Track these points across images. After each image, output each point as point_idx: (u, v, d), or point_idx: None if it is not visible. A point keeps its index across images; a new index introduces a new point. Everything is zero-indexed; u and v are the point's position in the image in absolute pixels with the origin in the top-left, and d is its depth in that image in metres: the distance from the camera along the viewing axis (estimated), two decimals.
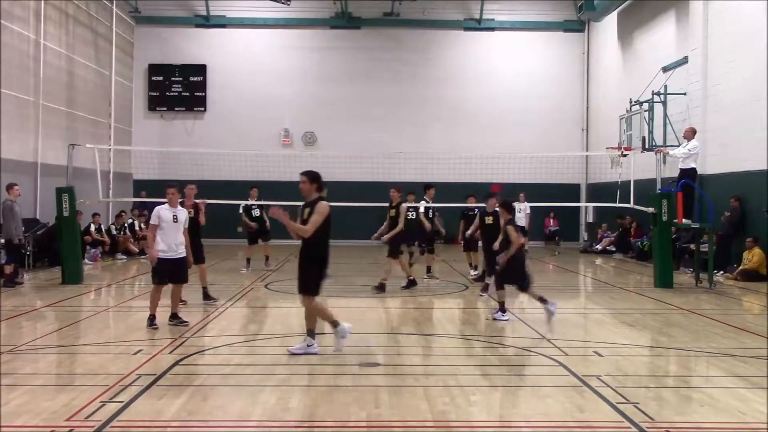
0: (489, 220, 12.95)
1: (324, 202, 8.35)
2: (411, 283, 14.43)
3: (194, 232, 11.76)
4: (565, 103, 28.48)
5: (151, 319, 9.98)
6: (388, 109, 27.89)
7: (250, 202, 17.83)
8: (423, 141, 26.98)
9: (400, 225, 14.24)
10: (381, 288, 13.88)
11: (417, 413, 6.20)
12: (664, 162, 18.34)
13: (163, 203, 10.25)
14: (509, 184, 22.94)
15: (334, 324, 8.43)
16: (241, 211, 17.80)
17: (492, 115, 27.96)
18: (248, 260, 17.62)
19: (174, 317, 10.17)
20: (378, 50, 28.38)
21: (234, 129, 27.36)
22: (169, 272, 10.06)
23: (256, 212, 17.76)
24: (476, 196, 17.26)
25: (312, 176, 8.53)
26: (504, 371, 7.79)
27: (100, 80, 24.53)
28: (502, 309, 10.94)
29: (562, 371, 7.71)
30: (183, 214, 10.35)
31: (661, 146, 18.72)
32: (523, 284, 10.77)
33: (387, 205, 18.18)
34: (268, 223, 17.60)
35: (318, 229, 8.23)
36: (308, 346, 8.42)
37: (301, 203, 13.71)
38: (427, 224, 16.29)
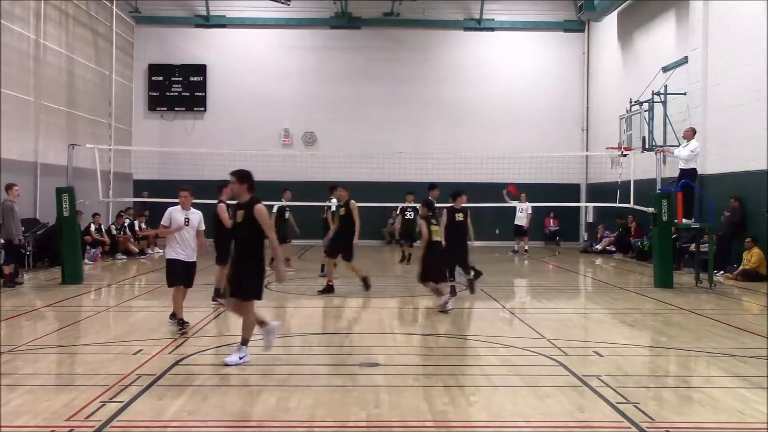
0: (459, 217, 12.81)
1: (261, 205, 7.94)
2: (329, 289, 13.66)
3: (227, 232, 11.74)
4: (565, 103, 28.47)
5: (181, 323, 9.73)
6: (388, 109, 27.89)
7: (284, 203, 17.44)
8: (423, 141, 26.97)
9: (358, 222, 13.79)
10: (365, 284, 13.61)
11: (417, 413, 6.20)
12: (664, 162, 18.35)
13: (175, 204, 10.01)
14: (509, 185, 22.97)
15: (245, 341, 7.99)
16: (274, 211, 17.18)
17: (492, 115, 27.96)
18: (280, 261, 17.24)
19: (174, 317, 10.04)
20: (378, 50, 28.38)
21: (234, 129, 27.36)
22: (180, 275, 9.85)
23: (287, 214, 17.47)
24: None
25: (240, 175, 8.02)
26: (504, 371, 7.79)
27: (100, 80, 24.52)
28: (440, 293, 11.84)
29: (562, 371, 7.71)
30: (196, 216, 10.07)
31: (662, 146, 18.70)
32: (439, 277, 11.87)
33: (397, 205, 18.15)
34: (296, 227, 17.67)
35: (259, 232, 7.91)
36: (243, 356, 7.91)
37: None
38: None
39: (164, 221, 9.91)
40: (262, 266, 8.05)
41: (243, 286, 7.97)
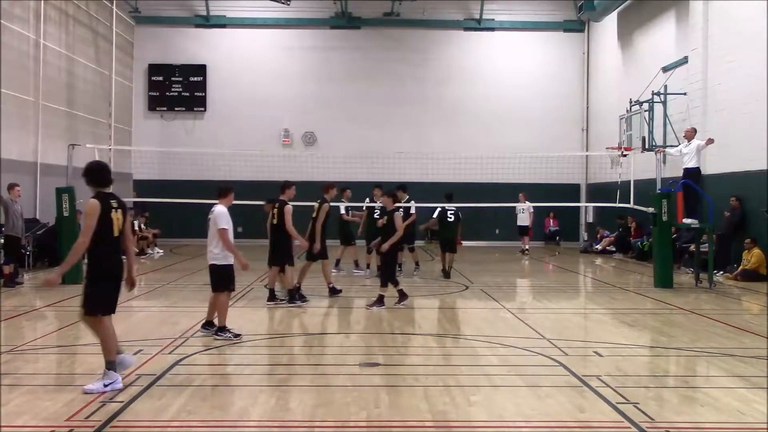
0: (384, 220, 12.56)
1: (91, 201, 6.73)
2: (294, 297, 12.60)
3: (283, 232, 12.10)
4: (565, 103, 28.46)
5: (224, 329, 9.35)
6: (388, 109, 27.89)
7: (375, 204, 17.05)
8: (423, 141, 26.97)
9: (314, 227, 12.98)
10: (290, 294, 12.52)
11: (417, 413, 6.20)
12: (664, 162, 18.34)
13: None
14: (509, 184, 22.98)
15: (109, 364, 6.81)
16: (342, 212, 17.19)
17: (492, 115, 27.96)
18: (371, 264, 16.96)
19: (225, 329, 9.41)
20: (378, 50, 28.39)
21: (234, 129, 27.36)
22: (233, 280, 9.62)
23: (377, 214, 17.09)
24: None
25: (83, 171, 6.95)
26: (504, 371, 7.79)
27: (100, 80, 24.52)
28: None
29: (562, 371, 7.71)
30: None
31: (663, 146, 18.65)
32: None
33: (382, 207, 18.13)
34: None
35: (95, 234, 6.66)
36: (108, 383, 6.73)
37: (313, 203, 13.58)
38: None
39: (226, 223, 9.25)
40: (97, 275, 6.78)
41: (85, 298, 6.91)
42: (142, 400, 6.48)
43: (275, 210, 12.28)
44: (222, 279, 9.39)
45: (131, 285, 7.33)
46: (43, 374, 7.63)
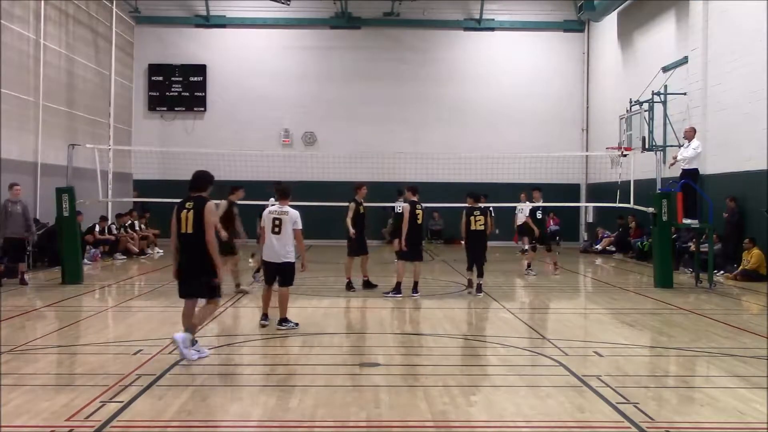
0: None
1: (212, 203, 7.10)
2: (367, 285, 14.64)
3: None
4: (565, 103, 28.47)
5: (287, 320, 10.15)
6: (388, 109, 27.90)
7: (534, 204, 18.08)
8: (423, 141, 26.99)
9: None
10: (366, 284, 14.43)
11: (417, 413, 6.20)
12: (664, 162, 18.32)
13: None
14: (509, 184, 22.96)
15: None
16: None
17: (492, 115, 27.97)
18: None
19: (286, 320, 10.14)
20: (378, 50, 28.39)
21: (234, 129, 27.38)
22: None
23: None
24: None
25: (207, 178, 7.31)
26: (504, 371, 7.79)
27: (100, 80, 24.50)
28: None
29: (562, 371, 7.71)
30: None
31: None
32: None
33: (390, 205, 18.28)
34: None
35: (204, 232, 6.95)
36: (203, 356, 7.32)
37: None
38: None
39: (301, 223, 10.06)
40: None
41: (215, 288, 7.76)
42: (142, 400, 6.49)
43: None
44: (293, 275, 10.15)
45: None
46: (43, 374, 7.63)
